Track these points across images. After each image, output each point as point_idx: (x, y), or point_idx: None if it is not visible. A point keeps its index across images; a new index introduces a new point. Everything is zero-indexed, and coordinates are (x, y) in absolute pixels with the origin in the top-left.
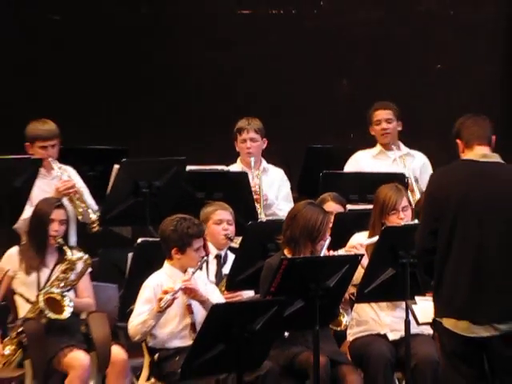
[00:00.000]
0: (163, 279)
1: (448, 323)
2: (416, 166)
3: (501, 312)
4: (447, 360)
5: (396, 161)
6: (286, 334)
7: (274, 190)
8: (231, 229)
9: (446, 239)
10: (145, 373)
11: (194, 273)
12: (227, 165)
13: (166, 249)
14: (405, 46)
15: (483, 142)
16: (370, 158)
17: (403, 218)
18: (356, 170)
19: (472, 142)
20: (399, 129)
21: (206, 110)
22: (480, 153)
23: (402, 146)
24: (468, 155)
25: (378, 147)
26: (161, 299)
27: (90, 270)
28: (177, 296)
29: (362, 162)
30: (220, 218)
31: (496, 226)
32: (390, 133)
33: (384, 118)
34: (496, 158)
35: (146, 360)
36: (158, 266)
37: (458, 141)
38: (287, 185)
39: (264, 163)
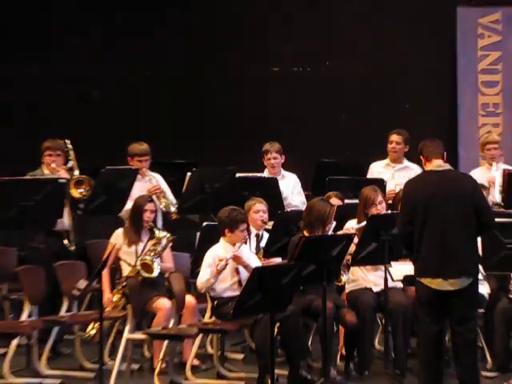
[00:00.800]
0: (219, 250)
1: (426, 281)
2: (412, 175)
3: (458, 270)
4: (421, 308)
5: (397, 170)
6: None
7: (290, 188)
8: (265, 216)
9: (421, 225)
10: (208, 313)
11: (239, 246)
12: (261, 172)
13: (221, 229)
14: (382, 91)
15: (438, 156)
16: (380, 166)
17: (380, 209)
18: (371, 176)
19: (430, 157)
20: (406, 150)
21: (247, 137)
22: (436, 164)
23: (405, 160)
24: (429, 167)
25: (387, 160)
26: (218, 264)
27: (171, 244)
28: (228, 262)
29: (374, 169)
30: (258, 209)
31: (453, 214)
32: (396, 152)
33: (395, 141)
34: (447, 166)
35: (209, 305)
36: (216, 241)
37: (421, 157)
38: (299, 185)
39: (282, 171)
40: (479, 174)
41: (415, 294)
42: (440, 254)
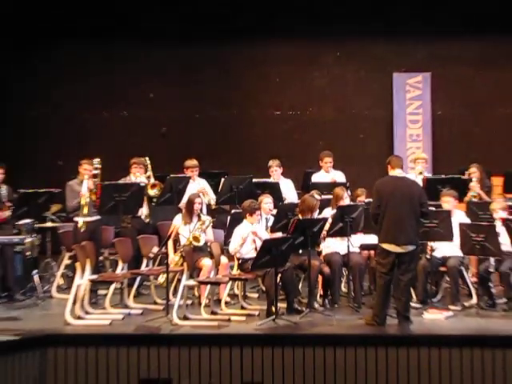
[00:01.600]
0: (243, 228)
1: (386, 246)
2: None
3: (405, 239)
4: (381, 265)
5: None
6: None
7: (287, 189)
8: (271, 206)
9: (384, 209)
10: (235, 268)
11: (255, 226)
12: (268, 178)
13: (244, 214)
14: (345, 127)
15: (399, 167)
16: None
17: (345, 202)
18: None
19: (394, 167)
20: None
21: (259, 156)
22: (398, 172)
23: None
24: (392, 173)
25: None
26: (242, 237)
27: (211, 224)
28: (248, 235)
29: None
30: (266, 202)
31: (405, 204)
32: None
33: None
34: (404, 174)
35: (236, 262)
36: (240, 222)
37: (389, 166)
38: (292, 186)
39: (282, 178)
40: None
41: (376, 254)
42: (395, 229)
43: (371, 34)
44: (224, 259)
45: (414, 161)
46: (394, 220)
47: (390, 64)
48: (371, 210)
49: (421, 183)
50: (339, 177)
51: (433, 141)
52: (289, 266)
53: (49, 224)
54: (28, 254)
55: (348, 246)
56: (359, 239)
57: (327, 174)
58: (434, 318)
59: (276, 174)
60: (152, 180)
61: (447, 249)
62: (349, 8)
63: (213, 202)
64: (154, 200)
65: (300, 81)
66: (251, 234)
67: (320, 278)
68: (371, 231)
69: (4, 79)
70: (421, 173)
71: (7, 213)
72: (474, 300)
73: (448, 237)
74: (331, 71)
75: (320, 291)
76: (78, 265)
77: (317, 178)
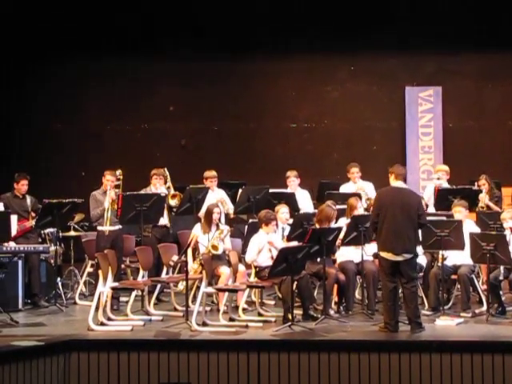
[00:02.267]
0: (259, 237)
1: (384, 254)
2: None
3: (402, 248)
4: (383, 272)
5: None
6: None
7: (303, 199)
8: (287, 216)
9: (383, 219)
10: (252, 276)
11: (270, 234)
12: (285, 189)
13: (260, 224)
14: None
15: (401, 179)
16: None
17: (359, 212)
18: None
19: (397, 178)
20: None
21: (277, 167)
22: (399, 183)
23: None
24: (394, 183)
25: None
26: (258, 247)
27: (229, 233)
28: (264, 246)
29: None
30: (282, 211)
31: (404, 215)
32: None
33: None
34: (405, 185)
35: (253, 270)
36: (257, 231)
37: (391, 176)
38: (309, 197)
39: (298, 188)
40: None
41: (378, 263)
42: (393, 238)
43: (384, 50)
44: (241, 267)
45: (436, 171)
46: (392, 229)
47: (402, 78)
48: (371, 218)
49: (432, 190)
50: (367, 187)
51: (444, 152)
52: (304, 274)
53: (72, 233)
54: (52, 262)
55: (362, 255)
56: (373, 248)
57: (355, 184)
58: (446, 325)
59: (293, 184)
60: (172, 190)
61: (458, 257)
62: (362, 25)
63: (231, 212)
64: (174, 209)
65: (315, 94)
66: (267, 244)
67: (335, 286)
68: None
69: (29, 93)
70: (438, 178)
71: (32, 222)
72: (485, 307)
73: (459, 246)
74: (345, 85)
75: (335, 298)
76: (100, 272)
77: (345, 188)
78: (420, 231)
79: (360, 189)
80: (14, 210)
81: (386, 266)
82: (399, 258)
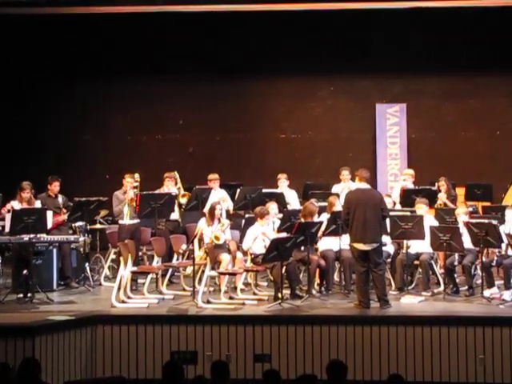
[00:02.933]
0: (255, 228)
1: (355, 244)
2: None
3: (370, 238)
4: (355, 259)
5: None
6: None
7: (291, 198)
8: (277, 211)
9: (352, 215)
10: (248, 261)
11: (264, 226)
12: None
13: (256, 217)
14: (336, 147)
15: (365, 180)
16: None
17: (337, 209)
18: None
19: (361, 180)
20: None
21: (269, 172)
22: (363, 185)
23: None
24: (359, 185)
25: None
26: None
27: (229, 226)
28: (258, 235)
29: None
30: (272, 207)
31: (370, 210)
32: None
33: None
34: (368, 186)
35: (249, 257)
36: (253, 224)
37: (357, 177)
38: (296, 196)
39: (288, 189)
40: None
41: (350, 251)
42: (362, 230)
43: (358, 73)
44: (239, 254)
45: (403, 174)
46: (360, 223)
47: (373, 97)
48: (342, 215)
49: (398, 191)
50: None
51: (408, 158)
52: (292, 260)
53: (98, 226)
54: (81, 250)
55: (340, 244)
56: (348, 238)
57: (345, 184)
58: (410, 302)
59: (283, 185)
60: (182, 191)
61: (420, 246)
62: (340, 52)
63: (231, 208)
64: (183, 206)
65: (301, 110)
66: (261, 234)
67: (317, 270)
68: None
69: (63, 109)
70: (404, 180)
71: (63, 217)
72: (442, 287)
73: (421, 236)
74: (326, 102)
75: (317, 280)
76: (121, 259)
77: (336, 188)
78: (388, 224)
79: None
80: (48, 208)
81: (357, 254)
82: (368, 248)
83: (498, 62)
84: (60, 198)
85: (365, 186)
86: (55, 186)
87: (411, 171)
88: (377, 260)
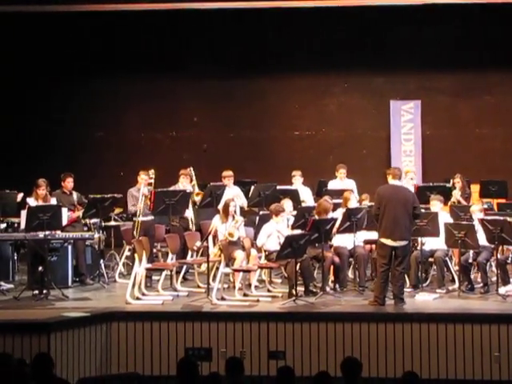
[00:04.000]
0: (270, 225)
1: (383, 240)
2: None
3: (399, 235)
4: (380, 255)
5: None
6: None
7: (305, 194)
8: (291, 209)
9: (383, 211)
10: (263, 258)
11: (279, 224)
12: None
13: (271, 214)
14: (351, 144)
15: (397, 178)
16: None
17: (352, 204)
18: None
19: (394, 177)
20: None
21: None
22: (396, 182)
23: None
24: (391, 182)
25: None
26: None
27: (243, 223)
28: (272, 233)
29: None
30: (287, 204)
31: (400, 207)
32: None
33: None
34: (400, 183)
35: (263, 254)
36: (267, 221)
37: (389, 175)
38: (310, 193)
39: (302, 186)
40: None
41: (377, 247)
42: (391, 226)
43: (372, 70)
44: (253, 251)
45: (405, 172)
46: (390, 219)
47: (387, 93)
48: (373, 210)
49: (412, 189)
50: (350, 184)
51: (422, 155)
52: (306, 257)
53: (113, 223)
54: (96, 246)
55: (354, 241)
56: (363, 235)
57: (341, 181)
58: (424, 299)
59: (298, 182)
60: (196, 188)
61: (435, 243)
62: (354, 48)
63: (245, 205)
64: (198, 204)
65: (315, 107)
66: (276, 232)
67: (331, 267)
68: (373, 229)
69: (77, 107)
70: (412, 178)
71: (78, 214)
72: (457, 285)
73: (435, 233)
74: (340, 99)
75: (331, 277)
76: (136, 255)
77: (332, 185)
78: None
79: (346, 187)
80: (63, 204)
81: (384, 251)
82: (396, 244)
83: None
84: (74, 195)
85: (397, 183)
86: (68, 182)
87: (413, 168)
88: (403, 257)
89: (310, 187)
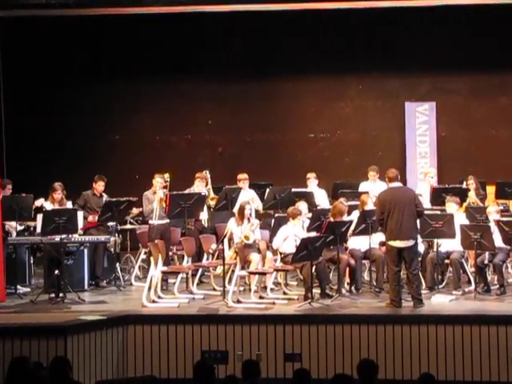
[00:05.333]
0: (286, 228)
1: (391, 243)
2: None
3: (406, 235)
4: (389, 258)
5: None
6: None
7: (321, 197)
8: (306, 211)
9: (387, 214)
10: (278, 261)
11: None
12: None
13: (288, 217)
14: (366, 146)
15: (394, 179)
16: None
17: (369, 206)
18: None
19: (392, 180)
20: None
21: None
22: (395, 184)
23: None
24: (391, 185)
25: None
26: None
27: (258, 225)
28: (289, 236)
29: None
30: (303, 207)
31: (405, 208)
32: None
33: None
34: (400, 184)
35: (279, 256)
36: (282, 224)
37: (387, 179)
38: (325, 195)
39: (317, 188)
40: (422, 187)
41: (385, 250)
42: (398, 228)
43: (387, 71)
44: (269, 254)
45: (425, 174)
46: (396, 221)
47: (402, 95)
48: (376, 216)
49: (429, 189)
50: (382, 187)
51: (438, 157)
52: (322, 259)
53: (128, 226)
54: (112, 250)
55: (370, 243)
56: (379, 237)
57: (372, 183)
58: (440, 301)
59: (313, 184)
60: (212, 193)
61: (450, 245)
62: (369, 50)
63: (260, 208)
64: (212, 207)
65: (330, 109)
66: (292, 235)
67: (347, 269)
68: None
69: (93, 111)
70: (432, 177)
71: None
72: (473, 286)
73: (451, 235)
74: (355, 101)
75: (347, 279)
76: (152, 259)
77: (363, 187)
78: (418, 223)
79: (378, 189)
80: (91, 206)
81: (392, 253)
82: (404, 245)
83: None
84: (104, 198)
85: (396, 184)
86: (100, 186)
87: (434, 169)
88: (412, 258)
89: (325, 189)
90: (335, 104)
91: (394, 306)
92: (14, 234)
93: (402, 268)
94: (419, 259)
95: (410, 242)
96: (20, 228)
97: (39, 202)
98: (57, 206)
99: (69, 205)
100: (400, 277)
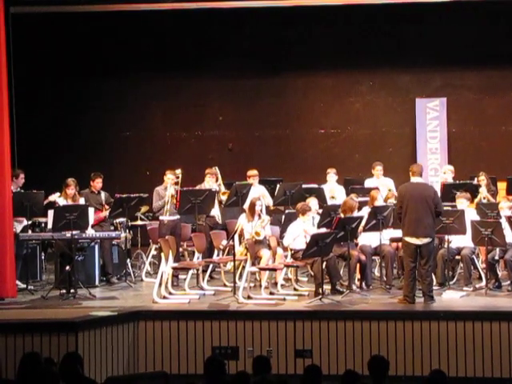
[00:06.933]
0: (296, 224)
1: (407, 239)
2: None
3: (423, 233)
4: (405, 254)
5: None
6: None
7: (339, 193)
8: (317, 207)
9: (405, 209)
10: (289, 257)
11: (306, 222)
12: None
13: (297, 213)
14: (377, 141)
15: (417, 174)
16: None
17: (379, 202)
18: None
19: (415, 174)
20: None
21: (312, 167)
22: (417, 179)
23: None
24: (412, 179)
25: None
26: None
27: (269, 222)
28: (299, 233)
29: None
30: (313, 203)
31: (423, 205)
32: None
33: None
34: (422, 180)
35: (289, 253)
36: (293, 220)
37: (411, 173)
38: (343, 191)
39: (336, 184)
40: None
41: (402, 246)
42: (414, 225)
43: (398, 67)
44: (280, 250)
45: (444, 172)
46: (413, 217)
47: (413, 91)
48: (396, 212)
49: (439, 185)
50: (388, 183)
51: (448, 153)
52: (332, 255)
53: (139, 222)
54: (123, 246)
55: (380, 239)
56: (389, 233)
57: (378, 179)
58: (451, 297)
59: (332, 179)
60: (223, 188)
61: (461, 241)
62: (380, 47)
63: (270, 204)
64: (223, 203)
65: (340, 105)
66: (303, 232)
67: (358, 265)
68: (399, 227)
69: (103, 108)
70: (445, 172)
71: (105, 213)
72: (484, 282)
73: (462, 231)
74: (365, 97)
75: (358, 275)
76: (162, 255)
77: (369, 183)
78: None
79: (383, 185)
80: (90, 204)
81: (409, 249)
82: (420, 242)
83: None
84: (102, 195)
85: (418, 179)
86: (97, 183)
87: (452, 167)
88: (428, 255)
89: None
90: (346, 100)
91: (407, 301)
92: (19, 229)
93: (417, 264)
94: None
95: (427, 240)
96: (25, 223)
97: (53, 197)
98: (70, 202)
99: (82, 201)
100: (415, 273)
